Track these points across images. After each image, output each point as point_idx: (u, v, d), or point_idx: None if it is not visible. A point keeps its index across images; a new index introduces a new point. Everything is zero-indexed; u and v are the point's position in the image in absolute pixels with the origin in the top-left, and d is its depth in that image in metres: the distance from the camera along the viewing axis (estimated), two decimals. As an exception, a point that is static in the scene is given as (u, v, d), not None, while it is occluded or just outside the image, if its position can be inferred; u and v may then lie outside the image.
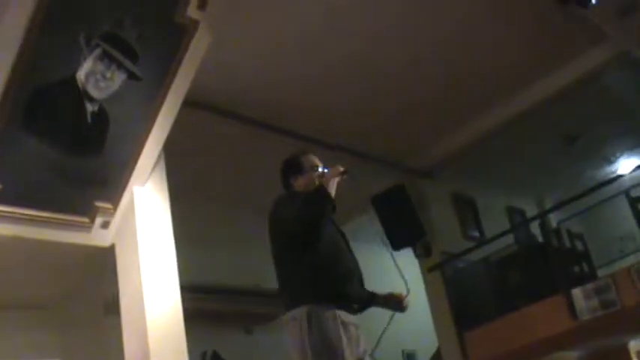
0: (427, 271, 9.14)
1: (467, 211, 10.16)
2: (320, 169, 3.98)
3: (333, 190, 3.75)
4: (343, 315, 3.63)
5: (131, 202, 5.61)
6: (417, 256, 9.28)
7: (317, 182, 3.89)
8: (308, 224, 3.66)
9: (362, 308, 3.85)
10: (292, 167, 4.06)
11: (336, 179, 3.82)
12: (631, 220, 7.69)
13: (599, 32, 7.31)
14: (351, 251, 3.94)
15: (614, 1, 6.32)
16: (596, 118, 9.58)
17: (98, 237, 5.65)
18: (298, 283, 3.72)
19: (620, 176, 9.23)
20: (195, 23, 4.89)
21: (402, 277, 4.02)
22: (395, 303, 3.98)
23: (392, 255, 4.34)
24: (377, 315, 3.98)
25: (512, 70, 7.94)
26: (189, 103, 6.01)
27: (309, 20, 6.38)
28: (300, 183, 3.99)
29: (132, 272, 5.48)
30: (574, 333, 7.57)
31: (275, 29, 6.38)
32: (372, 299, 3.92)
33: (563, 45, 7.70)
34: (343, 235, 3.99)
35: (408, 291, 3.97)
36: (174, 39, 4.96)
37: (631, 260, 7.70)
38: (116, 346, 5.50)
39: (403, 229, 8.76)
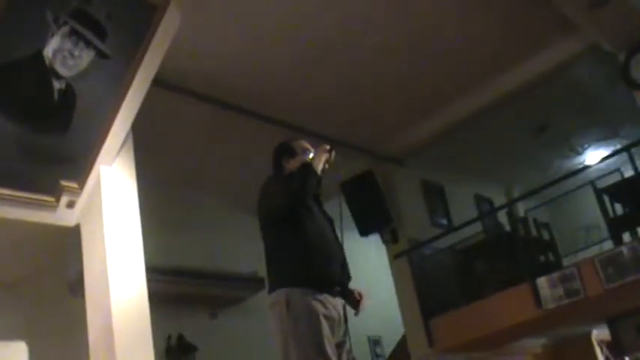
0: (394, 257, 9.17)
1: (435, 198, 10.20)
2: (311, 154, 4.07)
3: (319, 167, 3.89)
4: (325, 298, 3.67)
5: (98, 182, 5.54)
6: (385, 242, 9.31)
7: None
8: (293, 196, 3.77)
9: (344, 291, 3.89)
10: (285, 151, 4.15)
11: (323, 156, 3.95)
12: (596, 211, 7.77)
13: (569, 24, 7.35)
14: (336, 237, 4.01)
15: (585, -7, 6.35)
16: (564, 109, 9.68)
17: (63, 216, 5.58)
18: (280, 267, 3.79)
19: (587, 167, 9.31)
20: (165, 2, 4.83)
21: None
22: (353, 301, 3.97)
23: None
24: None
25: (483, 59, 7.98)
26: (160, 84, 5.96)
27: (279, 6, 6.35)
28: (291, 165, 4.06)
29: (97, 253, 5.43)
30: (539, 321, 7.66)
31: (249, 15, 6.34)
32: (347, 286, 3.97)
33: (534, 36, 7.74)
34: (330, 221, 4.06)
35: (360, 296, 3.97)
36: (143, 17, 4.88)
37: (595, 250, 7.78)
38: (80, 327, 5.45)
39: (371, 215, 8.78)
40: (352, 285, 3.98)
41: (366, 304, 3.97)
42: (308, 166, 3.86)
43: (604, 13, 6.80)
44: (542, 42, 7.91)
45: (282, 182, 3.90)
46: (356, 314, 3.93)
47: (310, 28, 6.75)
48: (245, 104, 7.57)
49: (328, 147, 4.01)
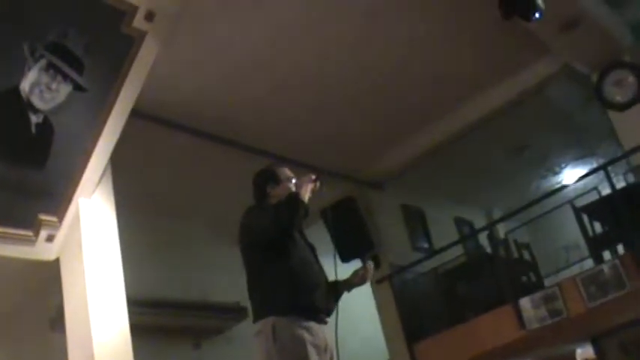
0: (376, 282, 9.17)
1: (416, 222, 10.21)
2: (294, 180, 4.06)
3: (305, 197, 3.84)
4: (312, 326, 3.67)
5: (77, 215, 5.52)
6: (366, 267, 9.29)
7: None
8: (281, 227, 3.74)
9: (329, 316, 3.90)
10: (269, 177, 4.12)
11: (309, 186, 3.90)
12: (576, 230, 7.81)
13: (543, 46, 7.44)
14: (319, 263, 3.99)
15: (556, 16, 6.42)
16: (541, 129, 9.77)
17: (43, 250, 5.54)
18: (264, 295, 3.77)
19: (565, 187, 9.38)
20: (142, 34, 4.84)
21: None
22: (359, 277, 4.03)
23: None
24: (326, 328, 3.98)
25: (460, 82, 8.05)
26: (138, 115, 5.95)
27: (255, 34, 6.38)
28: (277, 193, 4.03)
29: (77, 287, 5.39)
30: (523, 342, 7.65)
31: (224, 42, 6.37)
32: (339, 294, 3.99)
33: (509, 58, 7.83)
34: (312, 249, 4.05)
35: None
36: (121, 50, 4.90)
37: (576, 269, 7.81)
38: (62, 363, 5.40)
39: (352, 240, 8.77)
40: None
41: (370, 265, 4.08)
42: (296, 198, 3.80)
43: (575, 35, 6.90)
44: (517, 64, 8.01)
45: (268, 211, 3.86)
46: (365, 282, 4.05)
47: (286, 56, 6.79)
48: (223, 133, 7.57)
49: (314, 177, 3.97)
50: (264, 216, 3.82)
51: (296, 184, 4.00)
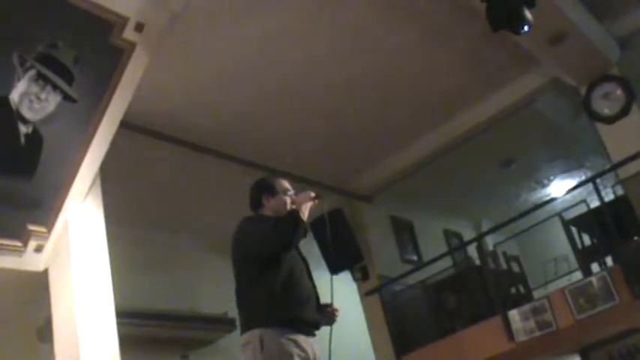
0: (365, 294, 9.17)
1: (405, 234, 10.23)
2: (291, 192, 4.07)
3: (305, 215, 3.84)
4: (299, 338, 3.67)
5: (66, 226, 5.50)
6: (355, 279, 9.31)
7: (289, 205, 3.98)
8: (279, 245, 3.74)
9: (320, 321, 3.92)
10: (265, 188, 4.12)
11: (309, 204, 3.90)
12: (564, 242, 7.85)
13: (531, 59, 7.49)
14: (310, 276, 4.00)
15: (545, 29, 6.46)
16: (530, 142, 9.81)
17: (31, 261, 5.51)
18: (253, 306, 3.76)
19: (554, 199, 9.42)
20: (132, 45, 4.84)
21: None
22: (329, 315, 4.01)
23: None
24: (315, 340, 3.97)
25: (449, 94, 8.09)
26: (127, 126, 5.95)
27: (244, 45, 6.40)
28: (272, 204, 4.04)
29: (65, 297, 5.37)
30: (511, 354, 7.64)
31: (210, 54, 6.38)
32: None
33: (498, 71, 7.88)
34: (305, 261, 4.04)
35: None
36: (110, 61, 4.89)
37: (565, 281, 7.83)
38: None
39: (341, 253, 8.78)
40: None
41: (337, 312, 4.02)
42: (296, 217, 3.78)
43: (564, 49, 6.94)
44: (506, 77, 8.06)
45: (266, 224, 3.83)
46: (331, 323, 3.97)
47: (275, 67, 6.80)
48: (212, 145, 7.57)
49: (313, 194, 3.96)
50: (262, 229, 3.81)
51: (294, 200, 4.00)
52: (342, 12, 6.36)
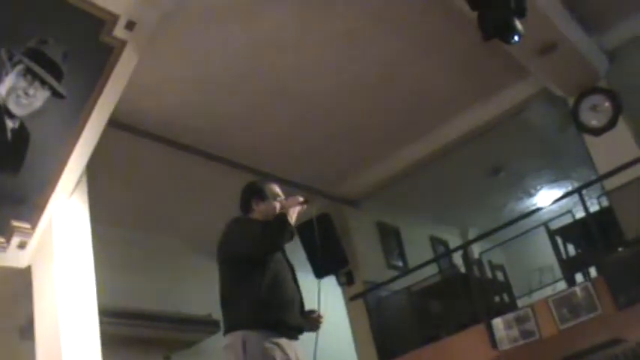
0: (350, 299, 9.17)
1: (391, 240, 10.24)
2: (280, 198, 4.09)
3: (293, 219, 3.88)
4: (282, 342, 3.67)
5: (50, 223, 5.47)
6: (340, 284, 9.30)
7: (278, 210, 3.99)
8: (266, 247, 3.78)
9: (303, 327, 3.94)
10: (256, 193, 4.13)
11: (297, 208, 3.94)
12: (549, 252, 7.87)
13: (521, 69, 7.52)
14: (295, 280, 4.01)
15: (535, 40, 6.50)
16: (518, 151, 9.84)
17: (14, 258, 5.48)
18: (237, 308, 3.77)
19: (540, 209, 9.45)
20: (122, 43, 4.83)
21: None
22: (314, 322, 4.02)
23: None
24: (301, 344, 3.97)
25: (438, 102, 8.11)
26: (115, 125, 5.94)
27: (235, 48, 6.39)
28: (261, 209, 4.05)
29: (48, 295, 5.34)
30: (494, 362, 7.68)
31: (204, 57, 6.38)
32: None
33: (488, 80, 7.91)
34: (290, 265, 4.06)
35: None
36: (100, 58, 4.88)
37: (549, 291, 7.86)
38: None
39: (326, 257, 8.77)
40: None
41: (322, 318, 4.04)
42: (284, 220, 3.82)
43: (553, 59, 6.98)
44: (495, 86, 8.09)
45: (254, 226, 3.87)
46: (315, 330, 3.99)
47: (265, 71, 6.80)
48: (200, 146, 7.57)
49: (302, 199, 4.00)
50: (250, 231, 3.84)
51: (282, 204, 4.01)
52: (334, 18, 6.37)
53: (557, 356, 8.51)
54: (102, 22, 4.68)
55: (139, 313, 7.93)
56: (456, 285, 8.54)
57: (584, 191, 7.84)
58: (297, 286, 4.02)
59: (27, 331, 5.97)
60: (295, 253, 7.22)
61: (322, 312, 4.07)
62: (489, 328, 7.55)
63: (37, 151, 5.05)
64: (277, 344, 3.64)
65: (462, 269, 8.79)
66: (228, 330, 3.74)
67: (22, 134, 4.90)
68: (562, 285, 7.80)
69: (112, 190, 7.33)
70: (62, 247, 5.47)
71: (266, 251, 3.78)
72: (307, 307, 4.06)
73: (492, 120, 8.51)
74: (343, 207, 9.67)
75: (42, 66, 4.63)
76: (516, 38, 5.38)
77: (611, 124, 7.63)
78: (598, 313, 6.91)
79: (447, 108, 8.29)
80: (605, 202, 7.84)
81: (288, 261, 4.05)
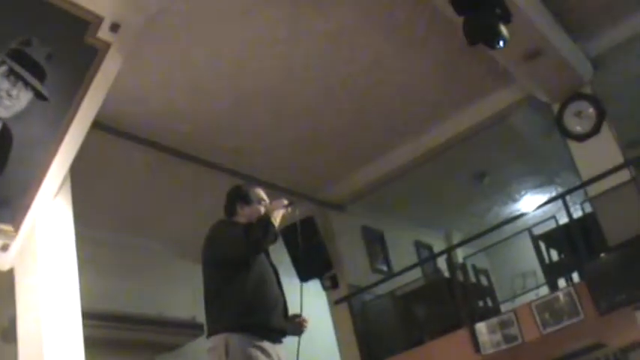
0: (334, 303, 9.18)
1: (375, 244, 10.25)
2: (265, 203, 4.12)
3: (277, 221, 3.92)
4: (265, 345, 3.67)
5: (33, 225, 5.43)
6: (325, 288, 9.30)
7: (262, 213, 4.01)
8: (249, 248, 3.79)
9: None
10: (241, 196, 4.16)
11: (281, 211, 3.99)
12: (533, 257, 7.91)
13: (506, 75, 7.55)
14: (279, 284, 4.03)
15: (520, 45, 6.52)
16: (502, 157, 9.89)
17: (-4, 260, 5.44)
18: (220, 310, 3.79)
19: (524, 214, 9.49)
20: (106, 45, 4.81)
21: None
22: (297, 325, 4.04)
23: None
24: (284, 347, 3.97)
25: (423, 107, 8.13)
26: (100, 127, 5.92)
27: (221, 51, 6.39)
28: (246, 212, 4.08)
29: (31, 298, 5.30)
30: (477, 367, 7.70)
31: (188, 58, 6.37)
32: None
33: (473, 85, 7.94)
34: (274, 268, 4.08)
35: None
36: (84, 60, 4.85)
37: (532, 295, 7.89)
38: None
39: (311, 261, 8.77)
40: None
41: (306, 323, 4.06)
42: (267, 222, 3.85)
43: (538, 66, 7.01)
44: (480, 92, 8.11)
45: (237, 228, 3.89)
46: (300, 334, 4.02)
47: (251, 74, 6.80)
48: (184, 148, 7.55)
49: (286, 202, 4.04)
50: (233, 233, 3.85)
51: (267, 207, 4.02)
52: (320, 21, 6.37)
53: (539, 360, 8.57)
54: (86, 23, 4.66)
55: (122, 316, 7.91)
56: (439, 289, 8.57)
57: (567, 197, 7.88)
58: (281, 290, 4.03)
59: (9, 333, 5.94)
60: (280, 256, 7.26)
61: (306, 316, 4.08)
62: (473, 333, 7.58)
63: (20, 152, 5.01)
64: (260, 347, 3.65)
65: (446, 274, 8.80)
66: (212, 333, 3.75)
67: (4, 136, 4.85)
68: (545, 290, 7.84)
69: (96, 193, 7.31)
70: (45, 250, 5.43)
71: (249, 253, 3.79)
72: (291, 310, 4.07)
73: (477, 125, 8.54)
74: (328, 211, 9.67)
75: (25, 67, 4.59)
76: (501, 44, 5.42)
77: (595, 130, 7.67)
78: (580, 318, 6.96)
79: (433, 113, 8.32)
80: (588, 208, 7.88)
81: (272, 264, 4.07)
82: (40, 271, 5.32)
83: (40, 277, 5.30)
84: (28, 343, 5.24)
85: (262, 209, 4.04)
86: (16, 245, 5.44)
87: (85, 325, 5.42)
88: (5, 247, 5.39)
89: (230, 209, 4.15)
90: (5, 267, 5.52)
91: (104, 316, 7.45)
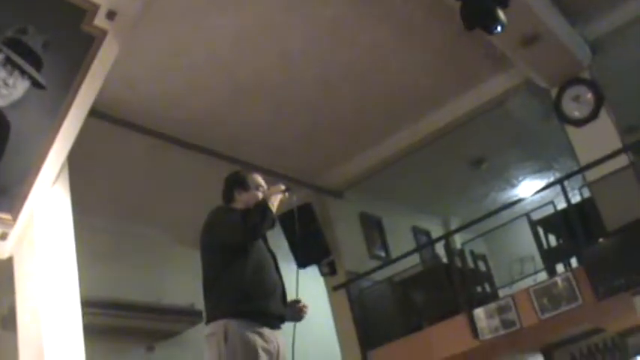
0: (332, 289, 9.19)
1: (373, 230, 10.26)
2: (262, 188, 4.11)
3: (274, 207, 3.89)
4: (264, 331, 3.67)
5: (32, 214, 5.43)
6: (323, 274, 9.32)
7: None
8: (246, 234, 3.77)
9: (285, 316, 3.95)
10: (238, 183, 4.14)
11: (278, 196, 3.96)
12: (531, 242, 7.92)
13: (504, 60, 7.53)
14: (278, 270, 4.02)
15: (518, 30, 6.51)
16: (500, 142, 9.87)
17: (-5, 249, 5.45)
18: (219, 297, 3.78)
19: (522, 199, 9.49)
20: (103, 33, 4.79)
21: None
22: (295, 311, 4.04)
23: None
24: (283, 334, 3.98)
25: (421, 93, 8.12)
26: (97, 115, 5.90)
27: (218, 37, 6.38)
28: (243, 198, 4.05)
29: (30, 286, 5.30)
30: (476, 352, 7.72)
31: (185, 45, 6.36)
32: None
33: (471, 70, 7.93)
34: (272, 254, 4.07)
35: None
36: (81, 48, 4.83)
37: (531, 281, 7.91)
38: (12, 363, 5.32)
39: (309, 247, 8.78)
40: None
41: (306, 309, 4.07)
42: (265, 207, 3.83)
43: (536, 50, 6.99)
44: (478, 77, 8.11)
45: (235, 214, 3.88)
46: (300, 319, 4.03)
47: (248, 61, 6.79)
48: (182, 136, 7.54)
49: (283, 187, 4.02)
50: (231, 219, 3.85)
51: (265, 192, 4.02)
52: (317, 8, 6.36)
53: (537, 345, 8.62)
54: (82, 11, 4.63)
55: (121, 303, 7.92)
56: (438, 275, 8.58)
57: (565, 182, 7.88)
58: (280, 276, 4.02)
59: (9, 321, 5.95)
60: (279, 242, 7.27)
61: (305, 302, 4.09)
62: (471, 318, 7.60)
63: (17, 141, 5.00)
64: (259, 333, 3.65)
65: (444, 259, 8.81)
66: (210, 319, 3.75)
67: (2, 125, 4.84)
68: (543, 275, 7.85)
69: (94, 180, 7.30)
70: (44, 238, 5.43)
71: (246, 238, 3.78)
72: (290, 296, 4.07)
73: (475, 111, 8.53)
74: (326, 197, 9.67)
75: (22, 56, 4.58)
76: (499, 28, 5.41)
77: (593, 115, 7.66)
78: (578, 304, 6.97)
79: (430, 98, 8.31)
80: (586, 193, 7.88)
81: (270, 250, 4.07)
82: (38, 259, 5.33)
83: (38, 265, 5.31)
84: (28, 330, 5.25)
85: (260, 195, 4.03)
86: (14, 234, 5.44)
87: (84, 313, 5.43)
88: (4, 236, 5.39)
89: (228, 195, 4.13)
90: (4, 255, 5.52)
91: (103, 303, 7.45)
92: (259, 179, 4.17)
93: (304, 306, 4.06)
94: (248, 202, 4.00)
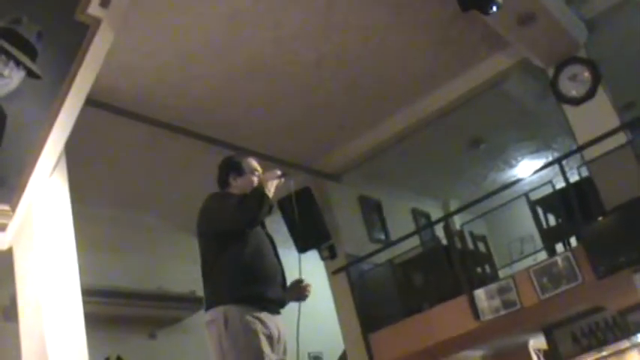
0: (332, 273, 9.21)
1: (373, 213, 10.26)
2: (258, 173, 4.08)
3: (271, 192, 3.85)
4: (264, 316, 3.67)
5: (30, 204, 5.43)
6: (323, 258, 9.33)
7: (256, 185, 3.97)
8: (244, 220, 3.75)
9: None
10: (233, 167, 4.11)
11: (275, 182, 3.92)
12: (530, 222, 7.93)
13: (500, 40, 7.51)
14: (276, 254, 4.01)
15: (513, 10, 6.49)
16: (499, 123, 9.86)
17: (-5, 240, 5.44)
18: (218, 283, 3.78)
19: (521, 179, 9.49)
20: (97, 21, 4.77)
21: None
22: (299, 291, 4.05)
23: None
24: (284, 318, 3.99)
25: (418, 74, 8.10)
26: (93, 103, 5.88)
27: (212, 23, 6.35)
28: (239, 183, 4.04)
29: (30, 276, 5.31)
30: (477, 333, 7.75)
31: (179, 31, 6.32)
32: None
33: (467, 51, 7.90)
34: (271, 239, 4.06)
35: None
36: (75, 37, 4.81)
37: (530, 261, 7.93)
38: (14, 353, 5.32)
39: (308, 231, 8.78)
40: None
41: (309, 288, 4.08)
42: (262, 194, 3.80)
43: (532, 30, 6.98)
44: (475, 58, 8.08)
45: (231, 200, 3.86)
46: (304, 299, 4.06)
47: (243, 45, 6.75)
48: (178, 122, 7.52)
49: (279, 172, 3.99)
50: (228, 205, 3.82)
51: (260, 178, 4.00)
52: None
53: (538, 325, 8.65)
54: (76, 0, 4.62)
55: (122, 291, 7.94)
56: (438, 257, 8.59)
57: (564, 161, 7.88)
58: (279, 260, 4.02)
59: (10, 312, 5.96)
60: (278, 226, 7.27)
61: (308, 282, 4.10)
62: (472, 299, 7.63)
63: (14, 132, 4.99)
64: (259, 318, 3.65)
65: (444, 241, 8.83)
66: (210, 305, 3.74)
67: (-2, 115, 4.85)
68: (543, 255, 7.86)
69: (93, 169, 7.29)
70: (43, 228, 5.43)
71: (243, 225, 3.77)
72: (289, 281, 4.08)
73: (472, 91, 8.51)
74: (324, 181, 9.67)
75: (16, 46, 4.56)
76: (494, 8, 5.39)
77: (591, 93, 7.65)
78: (578, 283, 7.00)
79: (426, 80, 8.28)
80: (585, 172, 7.89)
81: (269, 235, 4.06)
82: (38, 250, 5.33)
83: (38, 255, 5.31)
84: (29, 321, 5.25)
85: (255, 180, 4.01)
86: (13, 225, 5.44)
87: (84, 302, 5.44)
88: (3, 227, 5.39)
89: (223, 181, 4.11)
90: (4, 246, 5.52)
91: (104, 292, 7.46)
92: (254, 163, 4.14)
93: (308, 285, 4.06)
94: (243, 186, 3.98)
